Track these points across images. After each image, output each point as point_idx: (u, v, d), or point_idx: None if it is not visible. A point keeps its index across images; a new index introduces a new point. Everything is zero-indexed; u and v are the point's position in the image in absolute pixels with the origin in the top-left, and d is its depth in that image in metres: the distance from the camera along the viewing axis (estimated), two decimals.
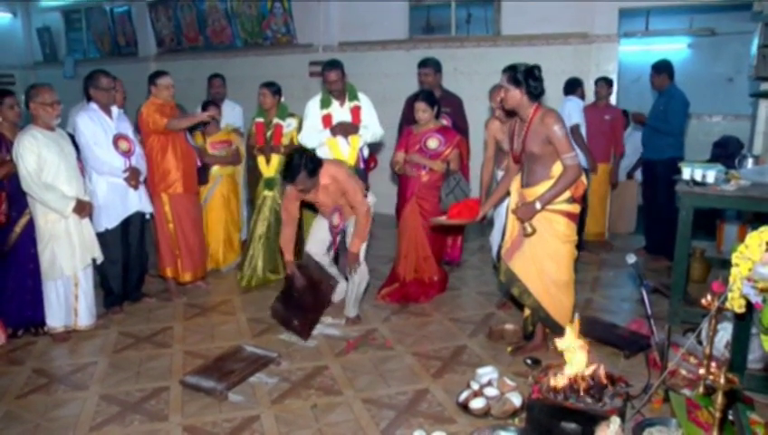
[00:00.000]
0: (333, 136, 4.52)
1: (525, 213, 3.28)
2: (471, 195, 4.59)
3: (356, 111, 4.59)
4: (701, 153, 6.74)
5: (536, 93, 3.23)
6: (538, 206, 3.23)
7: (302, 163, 3.76)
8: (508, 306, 4.37)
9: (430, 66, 5.05)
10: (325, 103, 4.58)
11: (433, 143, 4.43)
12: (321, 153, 4.50)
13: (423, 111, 4.41)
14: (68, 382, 3.43)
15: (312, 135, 4.56)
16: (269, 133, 4.90)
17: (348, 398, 3.19)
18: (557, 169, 3.24)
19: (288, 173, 3.80)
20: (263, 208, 4.97)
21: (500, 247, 3.91)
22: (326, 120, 4.54)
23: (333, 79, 4.47)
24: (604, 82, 5.90)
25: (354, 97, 4.61)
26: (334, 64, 4.53)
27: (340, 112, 4.56)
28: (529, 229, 3.28)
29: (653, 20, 7.87)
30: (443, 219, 3.89)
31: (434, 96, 4.56)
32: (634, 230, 6.79)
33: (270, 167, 4.89)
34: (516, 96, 3.23)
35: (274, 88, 4.94)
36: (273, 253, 4.97)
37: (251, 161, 5.18)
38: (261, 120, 4.97)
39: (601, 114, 5.88)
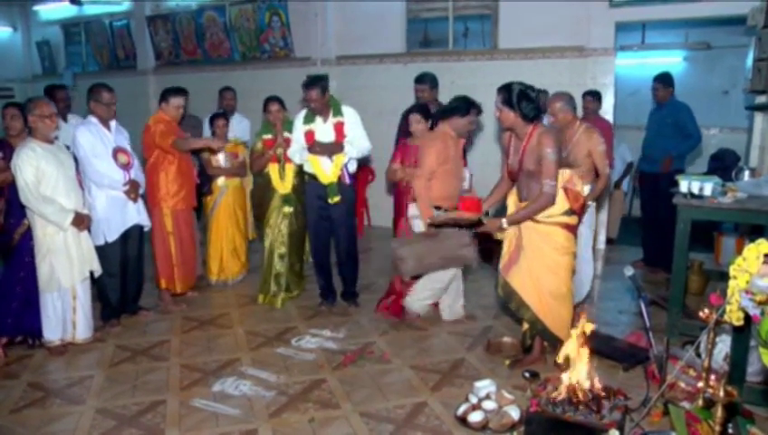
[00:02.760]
0: (312, 154, 4.44)
1: (493, 226, 3.43)
2: None
3: (339, 128, 4.45)
4: (698, 166, 6.79)
5: (530, 116, 3.25)
6: (505, 225, 3.38)
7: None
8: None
9: (426, 83, 5.06)
10: (308, 119, 4.45)
11: None
12: (307, 168, 4.54)
13: (417, 123, 4.43)
14: (64, 396, 3.41)
15: (297, 151, 4.52)
16: (279, 151, 4.74)
17: (346, 411, 3.17)
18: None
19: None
20: (281, 227, 4.80)
21: None
22: (308, 136, 4.43)
23: (313, 98, 4.30)
24: (591, 97, 5.72)
25: (338, 112, 4.47)
26: (314, 83, 4.33)
27: (323, 129, 4.44)
28: (501, 236, 3.49)
29: (649, 34, 7.93)
30: (454, 213, 3.58)
31: (428, 109, 4.56)
32: (616, 237, 6.84)
33: (285, 183, 4.75)
34: (510, 117, 3.28)
35: (281, 102, 4.84)
36: (293, 269, 4.95)
37: (259, 179, 4.95)
38: (269, 136, 4.80)
39: None
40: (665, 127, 5.42)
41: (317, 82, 4.35)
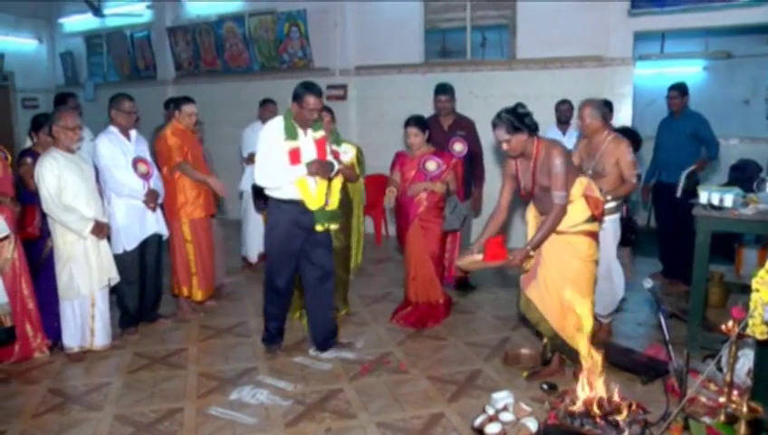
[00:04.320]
0: (310, 175, 3.76)
1: (520, 258, 3.31)
2: (468, 216, 4.60)
3: (321, 145, 3.85)
4: (718, 177, 6.71)
5: (535, 127, 3.28)
6: (531, 252, 3.32)
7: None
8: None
9: (449, 93, 5.05)
10: (291, 133, 3.74)
11: (431, 166, 4.44)
12: (283, 194, 3.81)
13: (415, 136, 4.42)
14: (83, 402, 3.45)
15: (279, 172, 3.74)
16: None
17: (362, 422, 3.16)
18: (576, 190, 3.24)
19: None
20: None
21: None
22: (293, 155, 3.72)
23: (316, 106, 3.71)
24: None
25: (319, 127, 3.88)
26: (318, 89, 3.77)
27: (306, 144, 3.81)
28: (528, 266, 3.40)
29: (668, 43, 7.88)
30: (478, 258, 3.42)
31: (424, 120, 4.54)
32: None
33: (333, 197, 3.99)
34: (521, 141, 3.26)
35: (332, 112, 4.45)
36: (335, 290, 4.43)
37: None
38: None
39: None
40: (683, 137, 5.38)
41: (319, 88, 3.81)
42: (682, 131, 5.41)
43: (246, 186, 5.71)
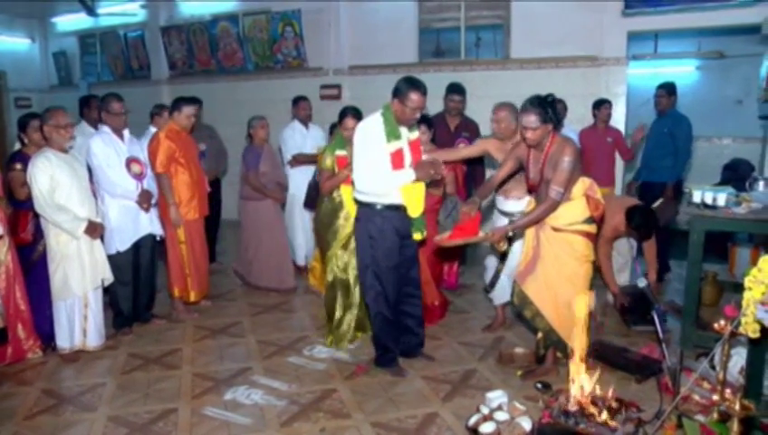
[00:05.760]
0: (419, 180, 3.44)
1: (498, 236, 3.31)
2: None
3: (416, 147, 3.54)
4: (711, 176, 6.73)
5: (558, 122, 3.30)
6: (510, 232, 3.34)
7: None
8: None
9: (463, 94, 5.02)
10: (394, 133, 3.39)
11: None
12: (386, 199, 3.48)
13: (422, 134, 4.34)
14: (76, 403, 3.43)
15: (385, 177, 3.40)
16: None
17: (357, 421, 3.16)
18: (577, 190, 3.25)
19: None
20: None
21: (496, 272, 3.95)
22: (397, 157, 3.40)
23: (420, 105, 3.37)
24: (606, 104, 5.71)
25: (415, 128, 3.58)
26: (423, 86, 3.40)
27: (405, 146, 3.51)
28: (504, 246, 3.39)
29: (662, 43, 7.92)
30: (446, 236, 3.42)
31: (431, 119, 4.49)
32: None
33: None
34: (546, 132, 3.25)
35: (359, 115, 4.13)
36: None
37: (328, 202, 4.25)
38: (343, 153, 4.07)
39: (603, 137, 5.72)
40: (662, 137, 5.40)
41: (421, 82, 3.41)
42: (660, 131, 5.44)
43: (291, 189, 5.60)
